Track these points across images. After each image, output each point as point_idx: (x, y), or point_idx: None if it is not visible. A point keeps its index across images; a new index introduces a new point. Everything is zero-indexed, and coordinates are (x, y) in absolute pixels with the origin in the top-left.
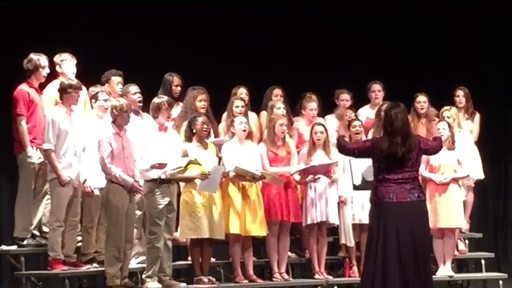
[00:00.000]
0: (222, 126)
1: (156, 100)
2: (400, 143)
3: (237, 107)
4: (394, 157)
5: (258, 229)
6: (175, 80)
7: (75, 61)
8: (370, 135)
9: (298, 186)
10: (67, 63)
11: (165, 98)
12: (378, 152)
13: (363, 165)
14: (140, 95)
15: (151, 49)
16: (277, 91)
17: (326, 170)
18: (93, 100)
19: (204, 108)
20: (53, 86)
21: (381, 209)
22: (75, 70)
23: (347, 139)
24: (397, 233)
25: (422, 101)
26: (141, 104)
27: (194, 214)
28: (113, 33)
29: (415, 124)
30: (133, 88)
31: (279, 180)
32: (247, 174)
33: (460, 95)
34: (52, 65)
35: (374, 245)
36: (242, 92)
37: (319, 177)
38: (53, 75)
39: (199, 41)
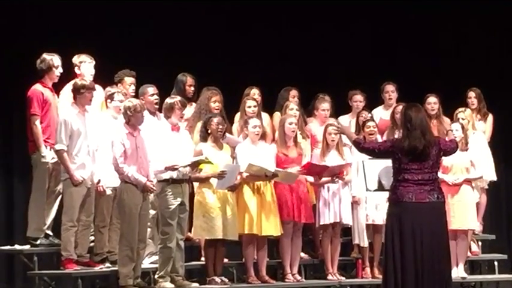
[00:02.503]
0: (235, 127)
1: (169, 100)
2: (420, 136)
3: (250, 107)
4: (415, 151)
5: (273, 229)
6: (189, 80)
7: (93, 62)
8: (384, 138)
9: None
10: (86, 65)
11: (178, 98)
12: (398, 150)
13: (377, 170)
14: (157, 97)
15: (165, 49)
16: (294, 92)
17: (339, 171)
18: (109, 100)
19: (217, 109)
20: (70, 87)
21: (399, 208)
22: (93, 72)
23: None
24: (414, 233)
25: (432, 102)
26: (157, 106)
27: (208, 214)
28: (127, 33)
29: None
30: (151, 89)
31: (292, 177)
32: (260, 171)
33: (472, 96)
34: (70, 66)
35: (391, 244)
36: (255, 92)
37: (337, 180)
38: (70, 76)
39: (213, 41)
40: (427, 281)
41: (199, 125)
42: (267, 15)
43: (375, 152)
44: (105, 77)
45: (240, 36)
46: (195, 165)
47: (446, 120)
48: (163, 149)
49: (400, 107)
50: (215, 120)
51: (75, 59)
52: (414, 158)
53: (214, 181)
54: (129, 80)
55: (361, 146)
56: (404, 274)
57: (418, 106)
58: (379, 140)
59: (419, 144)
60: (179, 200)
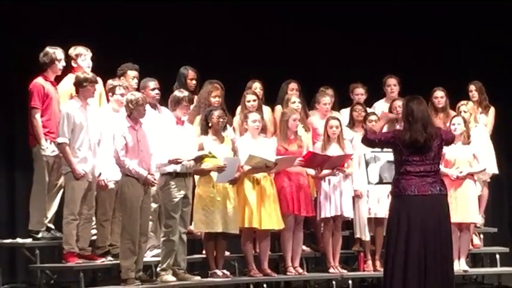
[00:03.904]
0: (236, 120)
1: (177, 94)
2: (421, 129)
3: (249, 101)
4: (416, 144)
5: (274, 223)
6: (190, 73)
7: (90, 54)
8: (385, 129)
9: (312, 180)
10: (82, 57)
11: (187, 93)
12: (400, 142)
13: (379, 164)
14: (158, 91)
15: (167, 42)
16: (293, 85)
17: (340, 163)
18: (110, 93)
19: (217, 103)
20: (68, 80)
21: (402, 201)
22: (90, 63)
23: (362, 132)
24: (417, 226)
25: (439, 96)
26: (158, 99)
27: (207, 208)
28: (129, 27)
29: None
30: (152, 83)
31: (290, 160)
32: (261, 162)
33: (473, 89)
34: (67, 58)
35: (394, 237)
36: (257, 86)
37: (338, 172)
38: (68, 68)
39: (216, 35)
40: (430, 274)
41: (198, 118)
42: (270, 8)
43: (375, 142)
44: (105, 70)
45: (243, 29)
46: (198, 160)
47: (452, 113)
48: (168, 143)
49: (397, 102)
50: (216, 113)
51: (72, 51)
52: (416, 150)
53: (214, 175)
54: (132, 74)
55: (365, 136)
56: (407, 267)
57: (419, 98)
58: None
59: (421, 137)
60: (182, 193)
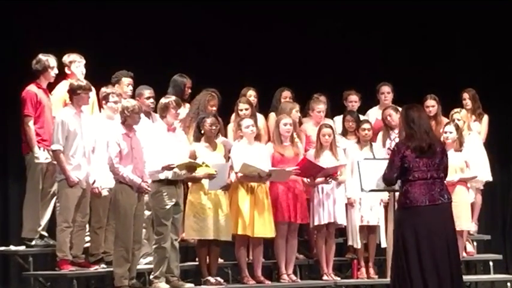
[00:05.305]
0: (231, 127)
1: (163, 100)
2: (424, 135)
3: (241, 110)
4: (421, 149)
5: (266, 231)
6: (188, 81)
7: (84, 61)
8: (379, 137)
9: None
10: (76, 64)
11: (173, 97)
12: (404, 149)
13: (373, 170)
14: (153, 100)
15: (160, 49)
16: (286, 93)
17: (333, 172)
18: (104, 101)
19: (214, 112)
20: (62, 87)
21: (411, 213)
22: (84, 71)
23: (355, 140)
24: (432, 236)
25: (431, 105)
26: (153, 107)
27: (198, 215)
28: (121, 34)
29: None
30: (147, 92)
31: (284, 174)
32: (254, 171)
33: (466, 97)
34: (61, 65)
35: (403, 250)
36: (251, 94)
37: (331, 180)
38: (61, 75)
39: (210, 42)
40: (446, 282)
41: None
42: (265, 16)
43: (394, 177)
44: (99, 78)
45: (238, 36)
46: (191, 169)
47: (444, 120)
48: (160, 150)
49: (389, 110)
50: (208, 120)
51: (65, 59)
52: (421, 154)
53: (206, 182)
54: (127, 81)
55: (386, 184)
56: (425, 279)
57: (418, 106)
58: (376, 139)
59: (425, 144)
60: (174, 200)
